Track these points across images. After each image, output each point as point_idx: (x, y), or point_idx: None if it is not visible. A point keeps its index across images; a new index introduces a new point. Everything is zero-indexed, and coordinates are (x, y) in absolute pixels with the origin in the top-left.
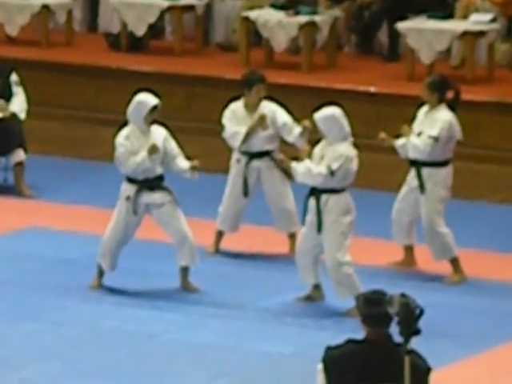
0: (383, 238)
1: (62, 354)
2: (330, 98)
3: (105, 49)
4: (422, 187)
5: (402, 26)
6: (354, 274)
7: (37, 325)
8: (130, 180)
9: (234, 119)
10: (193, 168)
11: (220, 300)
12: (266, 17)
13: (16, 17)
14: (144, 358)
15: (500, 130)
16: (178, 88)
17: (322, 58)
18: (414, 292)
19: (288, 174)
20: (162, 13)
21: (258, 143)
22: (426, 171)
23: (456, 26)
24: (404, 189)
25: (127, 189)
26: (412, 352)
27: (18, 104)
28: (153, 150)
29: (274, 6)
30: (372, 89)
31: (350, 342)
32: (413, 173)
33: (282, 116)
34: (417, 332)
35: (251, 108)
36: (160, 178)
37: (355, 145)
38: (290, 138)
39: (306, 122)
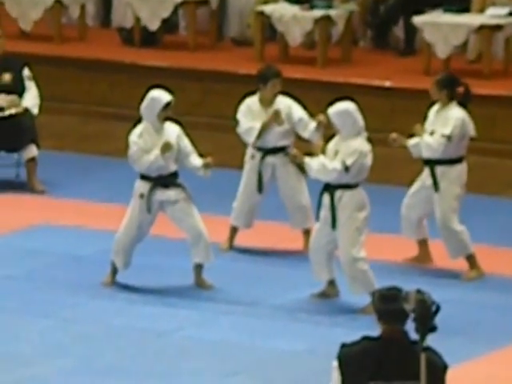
0: (398, 233)
1: (74, 350)
2: (345, 92)
3: (118, 44)
4: (436, 186)
5: (417, 19)
6: (370, 270)
7: (49, 321)
8: (144, 177)
9: (249, 114)
10: (206, 165)
11: (234, 297)
12: (281, 11)
13: (29, 12)
14: (156, 355)
15: None
16: (191, 83)
17: (337, 52)
18: (429, 288)
19: (302, 169)
20: (176, 7)
21: (273, 139)
22: (439, 169)
23: (472, 19)
24: (416, 185)
25: (141, 186)
26: (428, 349)
27: (31, 99)
28: (166, 147)
29: (289, 0)
30: (387, 83)
31: (365, 338)
32: (427, 171)
33: (297, 111)
34: (433, 329)
35: (266, 103)
36: (174, 174)
37: (370, 139)
38: (306, 134)
39: (321, 117)
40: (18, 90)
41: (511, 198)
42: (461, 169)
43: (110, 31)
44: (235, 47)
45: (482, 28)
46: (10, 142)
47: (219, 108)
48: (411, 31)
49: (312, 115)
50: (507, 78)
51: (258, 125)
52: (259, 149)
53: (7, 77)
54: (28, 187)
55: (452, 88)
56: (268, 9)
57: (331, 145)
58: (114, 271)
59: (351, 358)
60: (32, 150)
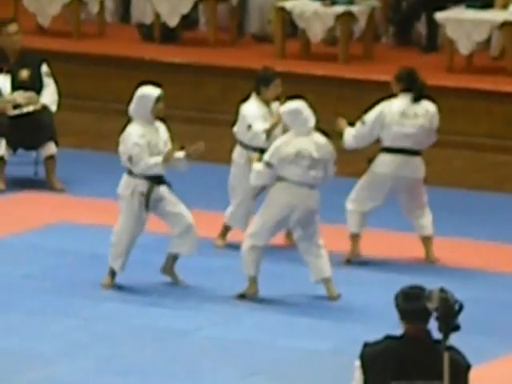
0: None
1: (94, 350)
2: (366, 89)
3: (137, 40)
4: None
5: (440, 16)
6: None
7: (68, 320)
8: (143, 176)
9: (260, 117)
10: (187, 156)
11: (254, 297)
12: (302, 7)
13: (48, 7)
14: (176, 355)
15: None
16: (211, 80)
17: (359, 49)
18: (452, 287)
19: None
20: (196, 3)
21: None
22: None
23: (495, 15)
24: None
25: (140, 185)
26: (451, 348)
27: (49, 96)
28: (169, 157)
29: None
30: None
31: (388, 338)
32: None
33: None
34: (456, 328)
35: (268, 104)
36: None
37: None
38: None
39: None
40: (35, 86)
41: None
42: (389, 160)
43: (129, 27)
44: (256, 43)
45: (505, 24)
46: (29, 140)
47: (239, 105)
48: (433, 27)
49: (333, 113)
50: None
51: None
52: (260, 150)
53: (25, 73)
54: (47, 185)
55: (407, 82)
56: (289, 4)
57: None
58: (113, 274)
59: (374, 358)
60: (51, 148)
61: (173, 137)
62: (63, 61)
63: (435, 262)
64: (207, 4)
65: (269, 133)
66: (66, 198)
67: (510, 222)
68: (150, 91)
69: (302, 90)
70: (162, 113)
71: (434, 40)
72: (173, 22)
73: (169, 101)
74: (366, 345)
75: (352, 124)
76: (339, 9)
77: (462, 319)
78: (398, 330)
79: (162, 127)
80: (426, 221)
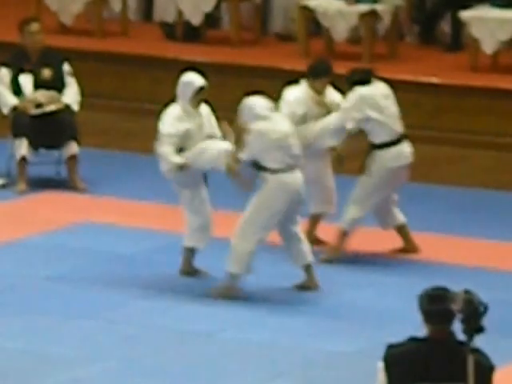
0: (440, 232)
1: (117, 352)
2: (391, 88)
3: (160, 38)
4: None
5: (464, 14)
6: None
7: (91, 322)
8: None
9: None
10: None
11: (279, 297)
12: (326, 5)
13: (70, 6)
14: (200, 356)
15: None
16: (234, 79)
17: (383, 47)
18: (476, 288)
19: None
20: (219, 1)
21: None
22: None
23: None
24: None
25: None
26: (475, 350)
27: (71, 95)
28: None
29: None
30: (434, 79)
31: (412, 339)
32: None
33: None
34: (481, 329)
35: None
36: None
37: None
38: None
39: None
40: (57, 85)
41: None
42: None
43: (152, 26)
44: (279, 42)
45: None
46: (51, 139)
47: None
48: (458, 26)
49: None
50: None
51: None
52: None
53: (47, 72)
54: (69, 185)
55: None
56: (313, 3)
57: None
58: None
59: (397, 359)
60: (72, 148)
61: None
62: (85, 60)
63: (417, 250)
64: (230, 2)
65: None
66: (88, 198)
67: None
68: (193, 79)
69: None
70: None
71: (459, 39)
72: (196, 20)
73: None
74: (389, 346)
75: None
76: (363, 7)
77: (486, 321)
78: (421, 331)
79: (205, 110)
80: (396, 209)
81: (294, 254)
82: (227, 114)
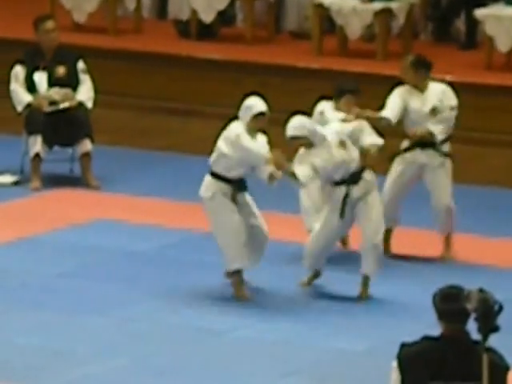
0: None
1: (129, 349)
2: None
3: (174, 36)
4: None
5: (479, 12)
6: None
7: (103, 319)
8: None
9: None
10: (270, 177)
11: (291, 296)
12: (340, 3)
13: (84, 3)
14: (212, 355)
15: None
16: (248, 76)
17: (398, 45)
18: (492, 287)
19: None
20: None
21: None
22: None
23: None
24: None
25: (223, 188)
26: (490, 349)
27: (85, 93)
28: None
29: None
30: (448, 77)
31: (426, 338)
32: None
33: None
34: (495, 329)
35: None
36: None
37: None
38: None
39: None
40: (72, 83)
41: None
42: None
43: (166, 23)
44: (293, 40)
45: None
46: (64, 137)
47: (277, 102)
48: (473, 24)
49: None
50: None
51: None
52: None
53: (61, 70)
54: (82, 183)
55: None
56: (327, 1)
57: None
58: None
59: (411, 358)
60: (86, 145)
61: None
62: (99, 57)
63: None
64: (244, 0)
65: None
66: (102, 196)
67: None
68: (254, 104)
69: None
70: (261, 128)
71: (473, 37)
72: (209, 18)
73: (205, 97)
74: (403, 345)
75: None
76: (378, 5)
77: (501, 320)
78: (434, 330)
79: (261, 139)
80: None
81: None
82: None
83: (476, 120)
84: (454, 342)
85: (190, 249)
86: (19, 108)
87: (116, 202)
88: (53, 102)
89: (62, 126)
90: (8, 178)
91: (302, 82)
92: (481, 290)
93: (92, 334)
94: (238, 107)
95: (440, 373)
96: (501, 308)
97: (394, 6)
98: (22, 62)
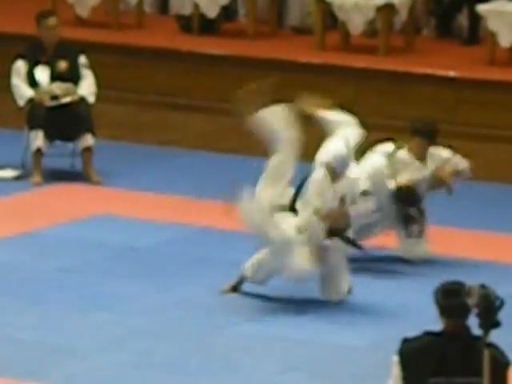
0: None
1: (130, 344)
2: (407, 82)
3: (176, 31)
4: None
5: (482, 8)
6: None
7: (104, 314)
8: None
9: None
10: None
11: (291, 292)
12: None
13: None
14: (213, 349)
15: None
16: (251, 72)
17: (400, 41)
18: (493, 283)
19: None
20: None
21: None
22: None
23: None
24: None
25: None
26: (491, 345)
27: (87, 87)
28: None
29: None
30: (451, 73)
31: (427, 334)
32: None
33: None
34: (497, 324)
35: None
36: None
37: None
38: None
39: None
40: (73, 77)
41: None
42: None
43: (167, 18)
44: (295, 35)
45: None
46: (66, 131)
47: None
48: (475, 20)
49: (373, 105)
50: None
51: None
52: None
53: (63, 64)
54: (84, 177)
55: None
56: None
57: None
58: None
59: (412, 354)
60: (88, 140)
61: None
62: (101, 52)
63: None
64: None
65: None
66: (103, 191)
67: None
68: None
69: (341, 82)
70: None
71: (476, 32)
72: (212, 13)
73: (207, 93)
74: (404, 340)
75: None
76: (380, 1)
77: (502, 316)
78: (435, 326)
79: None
80: None
81: None
82: None
83: (478, 115)
84: (455, 338)
85: (191, 244)
86: (21, 103)
87: (117, 197)
88: (54, 97)
89: (63, 121)
90: (9, 173)
91: (304, 78)
92: (482, 286)
93: (94, 328)
94: (240, 103)
95: (441, 368)
96: (502, 304)
97: (396, 1)
98: (23, 57)
